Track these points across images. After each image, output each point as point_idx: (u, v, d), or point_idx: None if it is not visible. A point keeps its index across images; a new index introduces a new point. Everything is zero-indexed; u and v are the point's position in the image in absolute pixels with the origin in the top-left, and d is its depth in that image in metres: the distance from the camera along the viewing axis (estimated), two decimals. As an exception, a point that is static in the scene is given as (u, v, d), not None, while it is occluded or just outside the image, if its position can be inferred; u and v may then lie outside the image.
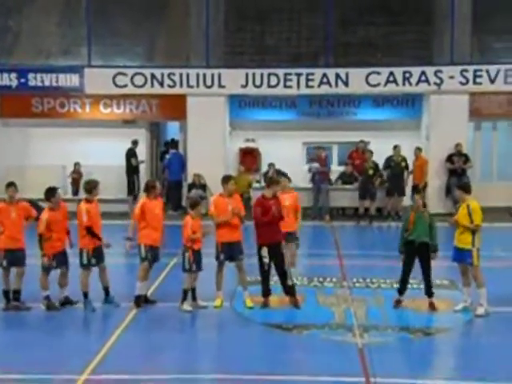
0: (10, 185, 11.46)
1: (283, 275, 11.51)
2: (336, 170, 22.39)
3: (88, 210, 11.29)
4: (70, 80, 21.83)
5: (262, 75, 21.62)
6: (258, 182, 22.20)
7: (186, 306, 11.27)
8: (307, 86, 21.64)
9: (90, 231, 11.26)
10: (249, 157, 23.02)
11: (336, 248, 16.90)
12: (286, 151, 22.64)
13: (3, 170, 21.75)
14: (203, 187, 21.40)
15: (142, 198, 11.74)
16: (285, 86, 21.68)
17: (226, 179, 11.88)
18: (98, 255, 11.42)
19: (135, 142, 22.56)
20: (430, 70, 21.40)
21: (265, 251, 11.42)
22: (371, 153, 21.36)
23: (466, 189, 11.38)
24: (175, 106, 22.25)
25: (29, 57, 22.69)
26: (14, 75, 21.72)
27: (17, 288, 11.36)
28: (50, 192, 11.48)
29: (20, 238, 11.41)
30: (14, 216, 11.28)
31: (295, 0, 23.58)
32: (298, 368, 8.95)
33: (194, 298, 11.44)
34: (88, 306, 11.36)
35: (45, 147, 22.73)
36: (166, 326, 10.70)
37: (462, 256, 11.12)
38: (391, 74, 21.44)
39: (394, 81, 21.52)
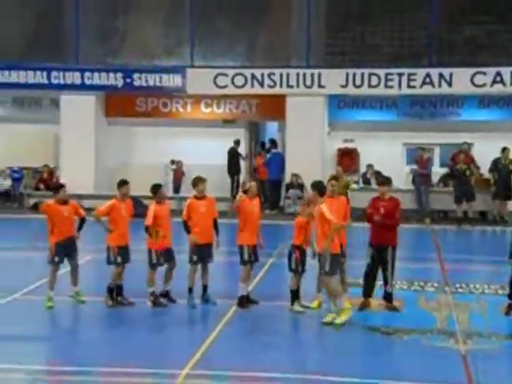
0: (126, 183, 11.77)
1: (384, 280, 11.39)
2: (438, 171, 21.98)
3: (190, 206, 11.46)
4: (172, 80, 22.32)
5: (362, 75, 21.50)
6: (356, 183, 22.01)
7: (298, 307, 11.23)
8: (409, 86, 21.39)
9: (185, 226, 11.42)
10: (347, 157, 22.89)
11: (437, 252, 16.57)
12: (385, 152, 22.38)
13: (108, 168, 22.47)
14: (301, 187, 21.42)
15: (242, 196, 11.76)
16: (386, 86, 21.49)
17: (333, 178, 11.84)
18: (204, 253, 11.53)
19: (237, 142, 22.87)
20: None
21: (370, 251, 11.33)
22: (463, 153, 20.80)
23: None
24: (275, 106, 22.41)
25: (134, 57, 23.31)
26: (119, 75, 22.41)
27: (120, 283, 11.64)
28: (156, 187, 11.77)
29: (127, 234, 11.73)
30: (124, 213, 11.58)
31: (397, -2, 23.25)
32: (398, 373, 8.81)
33: (298, 298, 11.43)
34: (190, 301, 11.51)
35: (148, 146, 23.32)
36: (264, 325, 10.74)
37: None
38: (498, 74, 20.90)
39: (501, 81, 20.96)
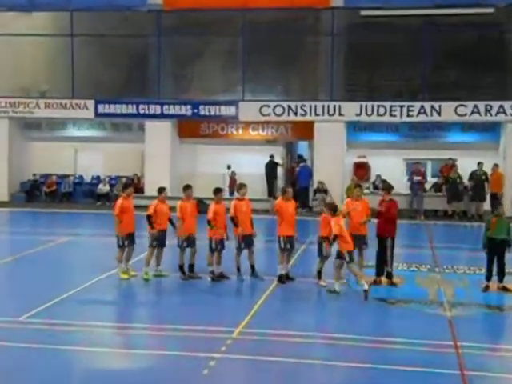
0: (190, 187, 11.85)
1: (385, 262, 11.32)
2: (430, 180, 21.80)
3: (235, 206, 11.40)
4: (228, 110, 22.31)
5: (372, 106, 21.47)
6: (368, 188, 21.87)
7: (322, 283, 11.09)
8: (408, 115, 21.30)
9: (233, 221, 11.35)
10: (360, 169, 22.74)
11: (429, 241, 16.45)
12: (390, 165, 22.24)
13: (180, 175, 22.61)
14: (325, 192, 21.29)
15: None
16: (390, 115, 21.45)
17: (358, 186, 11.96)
18: (247, 242, 11.49)
19: (272, 156, 22.75)
20: (508, 103, 20.60)
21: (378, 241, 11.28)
22: (456, 166, 20.70)
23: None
24: (305, 130, 22.27)
25: (199, 93, 23.14)
26: (189, 107, 22.48)
27: (191, 263, 11.67)
28: (217, 190, 11.73)
29: (194, 226, 11.78)
30: (189, 211, 11.70)
31: None
32: (399, 332, 8.83)
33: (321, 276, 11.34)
34: (239, 277, 11.51)
35: (209, 159, 23.24)
36: (298, 296, 10.73)
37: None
38: (475, 106, 20.68)
39: (478, 112, 20.72)
